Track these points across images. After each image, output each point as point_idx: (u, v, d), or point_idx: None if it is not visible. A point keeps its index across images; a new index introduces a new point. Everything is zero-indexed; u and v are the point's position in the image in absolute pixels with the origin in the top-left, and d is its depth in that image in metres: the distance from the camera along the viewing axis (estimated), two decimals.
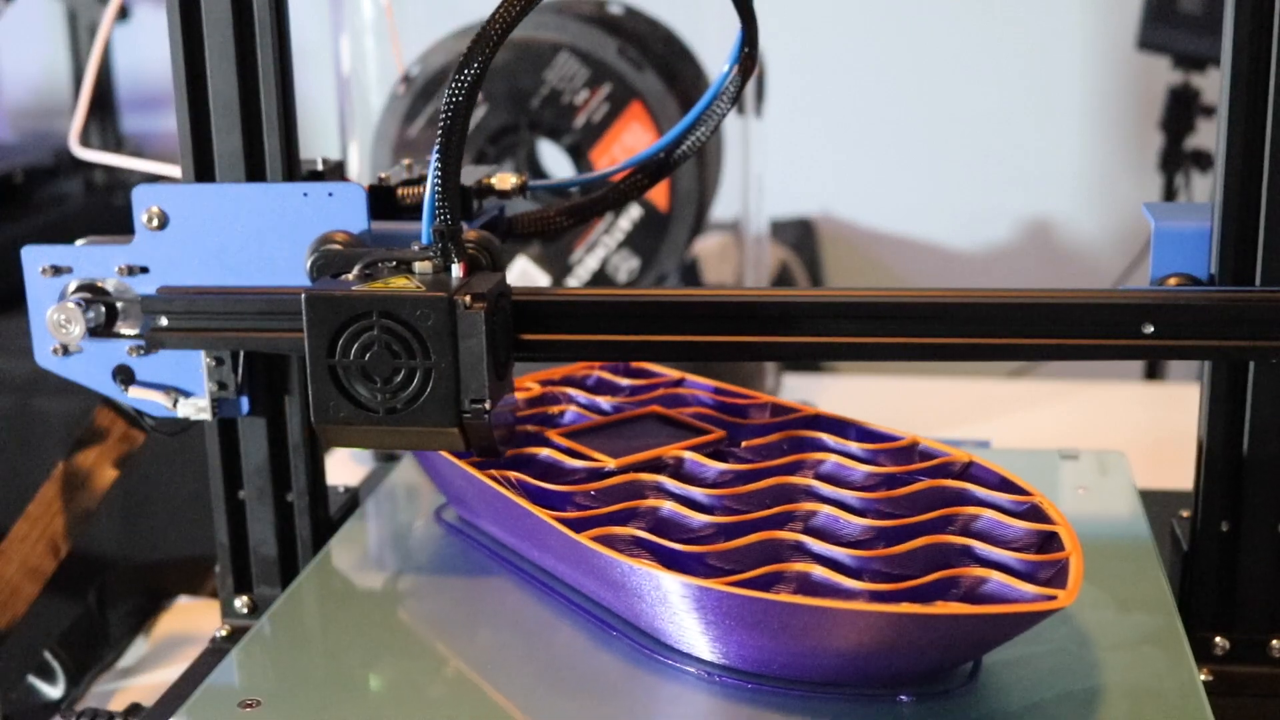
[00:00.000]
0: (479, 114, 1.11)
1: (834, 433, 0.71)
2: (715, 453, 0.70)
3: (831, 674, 0.57)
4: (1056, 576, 0.57)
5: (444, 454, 0.69)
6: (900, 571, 0.59)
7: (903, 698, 0.56)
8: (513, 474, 0.68)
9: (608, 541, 0.61)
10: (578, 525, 0.62)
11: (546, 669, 0.60)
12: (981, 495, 0.63)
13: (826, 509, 0.63)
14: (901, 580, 0.58)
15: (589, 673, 0.60)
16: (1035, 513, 0.62)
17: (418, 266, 0.62)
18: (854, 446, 0.69)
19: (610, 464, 0.68)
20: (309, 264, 0.67)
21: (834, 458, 0.68)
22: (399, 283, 0.61)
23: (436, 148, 0.60)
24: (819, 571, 0.58)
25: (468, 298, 0.59)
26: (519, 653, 0.62)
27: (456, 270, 0.61)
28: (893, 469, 0.67)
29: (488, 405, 0.60)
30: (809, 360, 0.63)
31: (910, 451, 0.69)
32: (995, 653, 0.59)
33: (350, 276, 0.62)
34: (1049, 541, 0.60)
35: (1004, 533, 0.61)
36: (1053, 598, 0.55)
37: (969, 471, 0.66)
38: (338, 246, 0.66)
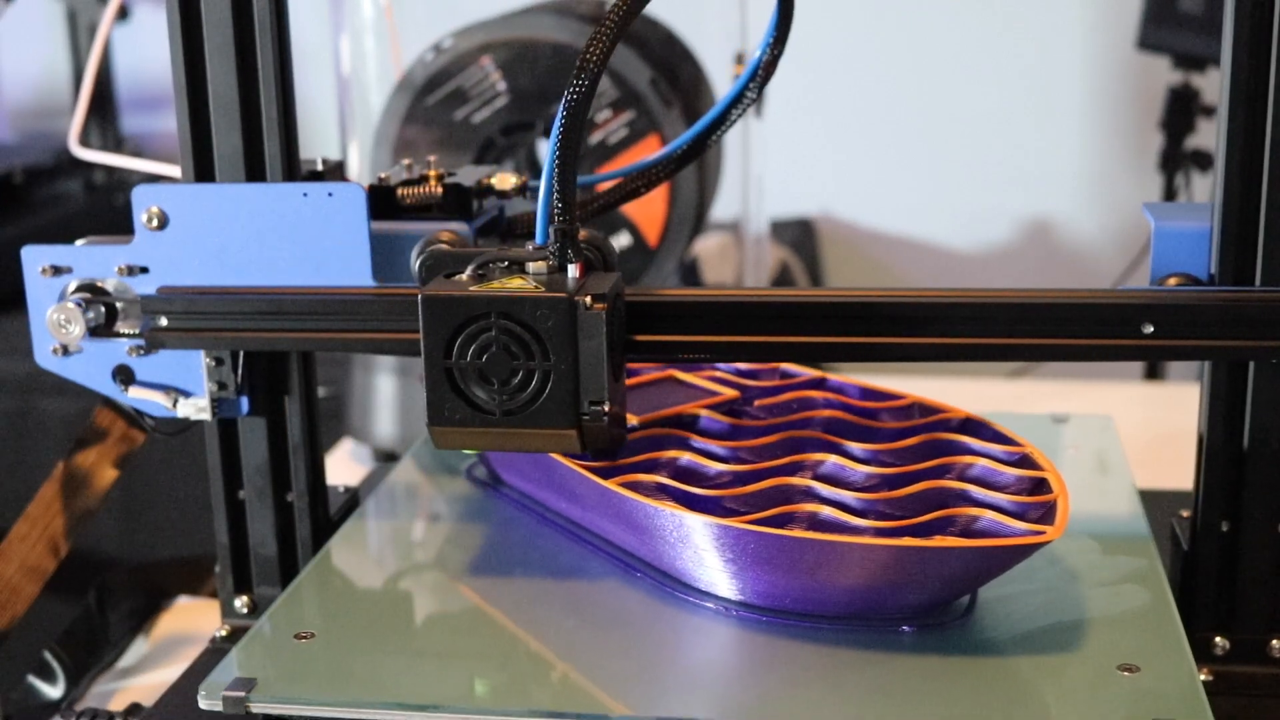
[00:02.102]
0: (497, 105, 1.11)
1: (839, 393, 0.76)
2: (730, 411, 0.75)
3: (839, 607, 0.62)
4: (1045, 515, 0.62)
5: None
6: (902, 513, 0.64)
7: (905, 628, 0.61)
8: None
9: (633, 487, 0.65)
10: (605, 474, 0.66)
11: (575, 607, 0.64)
12: (976, 446, 0.68)
13: (833, 458, 0.68)
14: (903, 520, 0.63)
15: (615, 609, 0.64)
16: (1026, 461, 0.67)
17: (531, 266, 0.61)
18: (858, 404, 0.74)
19: (633, 420, 0.71)
20: (416, 265, 0.66)
21: (840, 414, 0.73)
22: (515, 283, 0.60)
23: (554, 148, 0.59)
24: (827, 511, 0.63)
25: (588, 298, 0.59)
26: (548, 593, 0.66)
27: (572, 270, 0.60)
28: (894, 424, 0.72)
29: (607, 407, 0.59)
30: (930, 361, 0.63)
31: (910, 409, 0.74)
32: (989, 591, 0.63)
33: (464, 277, 0.61)
34: (1038, 486, 0.65)
35: (997, 479, 0.66)
36: (1041, 533, 0.60)
37: (965, 426, 0.71)
38: (446, 246, 0.66)
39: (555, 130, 0.59)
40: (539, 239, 0.62)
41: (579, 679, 0.59)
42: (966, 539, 0.61)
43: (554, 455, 0.67)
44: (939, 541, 0.60)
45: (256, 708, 0.58)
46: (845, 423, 0.73)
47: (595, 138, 1.11)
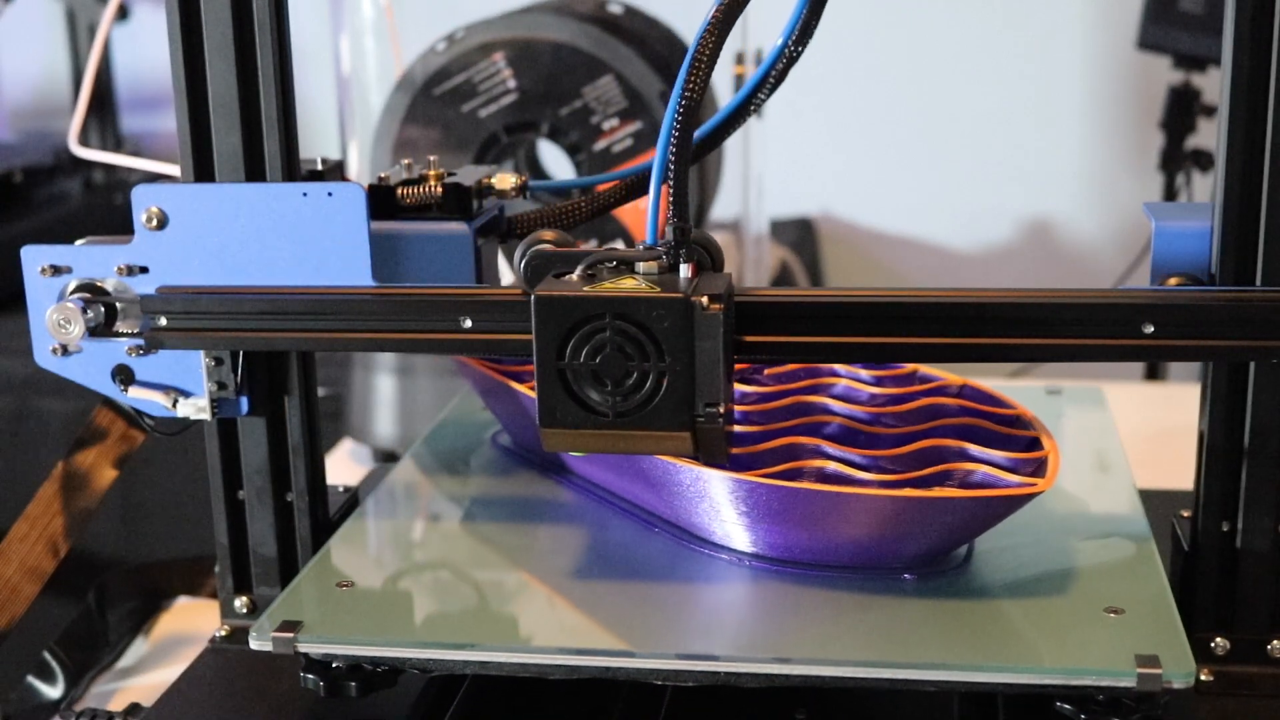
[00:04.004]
0: (504, 101, 1.11)
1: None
2: (741, 379, 0.79)
3: (846, 557, 0.65)
4: (1037, 470, 0.67)
5: (500, 377, 0.76)
6: (904, 468, 0.68)
7: (906, 576, 0.65)
8: None
9: None
10: None
11: (597, 560, 0.68)
12: (973, 409, 0.73)
13: (839, 420, 0.73)
14: (905, 474, 0.67)
15: (635, 561, 0.68)
16: (1019, 422, 0.72)
17: (642, 266, 0.60)
18: (862, 373, 0.79)
19: None
20: (520, 265, 0.65)
21: (845, 381, 0.77)
22: (628, 283, 0.59)
23: (666, 148, 0.59)
24: (834, 467, 0.68)
25: (705, 299, 0.58)
26: (572, 548, 0.70)
27: (684, 270, 0.60)
28: (896, 390, 0.76)
29: (722, 409, 0.59)
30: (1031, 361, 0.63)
31: (911, 377, 0.78)
32: (985, 543, 0.67)
33: (574, 277, 0.60)
34: (1031, 444, 0.70)
35: (992, 437, 0.71)
36: (1033, 485, 0.64)
37: (963, 391, 0.75)
38: (549, 246, 0.65)
39: (667, 130, 0.59)
40: (649, 239, 0.61)
41: (603, 622, 0.63)
42: (964, 490, 0.66)
43: None
44: (938, 492, 0.64)
45: (303, 647, 0.62)
46: (850, 388, 0.77)
47: (600, 145, 1.11)
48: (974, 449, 0.69)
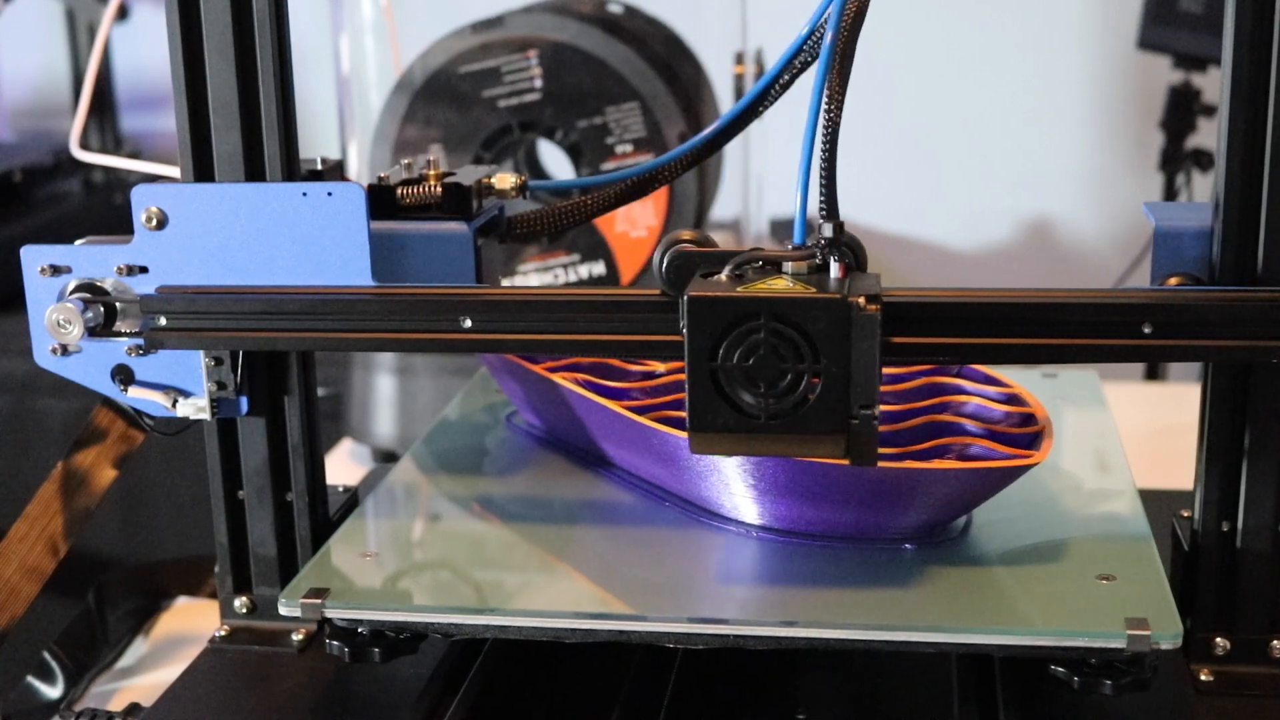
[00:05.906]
0: (526, 98, 1.11)
1: None
2: None
3: (850, 528, 0.67)
4: (1032, 443, 0.69)
5: (519, 361, 0.79)
6: (905, 443, 0.71)
7: (907, 546, 0.67)
8: (580, 375, 0.78)
9: (665, 423, 0.71)
10: (637, 412, 0.73)
11: (611, 533, 0.71)
12: (970, 388, 0.75)
13: None
14: (906, 448, 0.69)
15: (647, 533, 0.70)
16: (1015, 399, 0.74)
17: (789, 266, 0.59)
18: None
19: (660, 368, 0.80)
20: (662, 266, 0.63)
21: None
22: (779, 284, 0.59)
23: (814, 149, 0.61)
24: None
25: (862, 299, 0.57)
26: (584, 522, 0.73)
27: (834, 270, 0.59)
28: (897, 370, 0.78)
29: (877, 411, 0.58)
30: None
31: None
32: (982, 516, 0.70)
33: (723, 278, 0.60)
34: (1026, 420, 0.72)
35: (989, 414, 0.73)
36: (1028, 457, 0.66)
37: (961, 371, 0.77)
38: (690, 246, 0.64)
39: (816, 132, 0.60)
40: (797, 239, 0.61)
41: (616, 590, 0.65)
42: (962, 463, 0.68)
43: (595, 399, 0.74)
44: (937, 464, 0.67)
45: (330, 613, 0.64)
46: None
47: (609, 165, 1.12)
48: (970, 424, 0.71)
